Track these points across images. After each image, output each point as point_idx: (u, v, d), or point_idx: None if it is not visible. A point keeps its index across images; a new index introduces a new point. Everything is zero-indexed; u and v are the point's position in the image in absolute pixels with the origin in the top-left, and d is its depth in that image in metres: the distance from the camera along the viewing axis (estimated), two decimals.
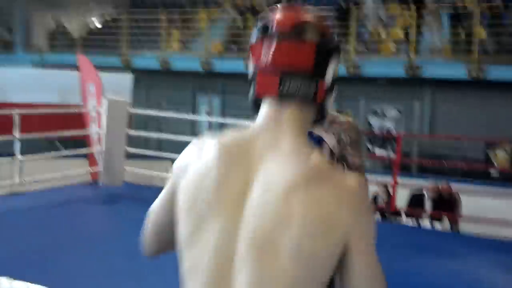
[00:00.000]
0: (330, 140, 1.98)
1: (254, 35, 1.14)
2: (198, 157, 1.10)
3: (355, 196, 1.01)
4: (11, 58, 15.22)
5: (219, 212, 1.01)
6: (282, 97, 1.09)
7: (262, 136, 1.07)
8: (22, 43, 16.34)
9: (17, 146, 6.16)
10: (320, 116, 1.15)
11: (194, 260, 1.02)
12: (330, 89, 1.13)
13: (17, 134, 6.09)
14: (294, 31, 1.07)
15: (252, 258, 0.96)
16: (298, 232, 0.95)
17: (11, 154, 6.35)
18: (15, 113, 6.16)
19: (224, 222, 1.00)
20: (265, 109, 1.11)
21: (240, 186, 1.02)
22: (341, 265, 1.01)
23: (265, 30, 1.10)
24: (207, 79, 13.51)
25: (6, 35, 18.07)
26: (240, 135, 1.10)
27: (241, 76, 12.73)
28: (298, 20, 1.08)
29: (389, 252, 3.59)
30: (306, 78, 1.08)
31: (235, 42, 14.15)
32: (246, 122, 7.74)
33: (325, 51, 1.09)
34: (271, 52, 1.08)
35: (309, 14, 1.11)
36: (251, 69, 1.16)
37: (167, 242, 1.21)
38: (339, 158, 1.92)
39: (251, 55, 1.15)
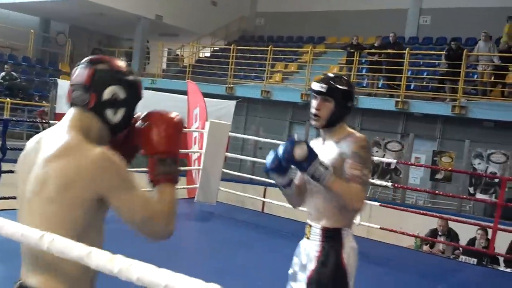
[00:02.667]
0: (318, 147, 2.28)
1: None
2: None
3: (94, 161, 1.46)
4: None
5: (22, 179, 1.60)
6: (71, 103, 1.62)
7: (54, 128, 1.61)
8: (137, 68, 17.64)
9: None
10: (106, 121, 1.61)
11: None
12: (109, 102, 1.60)
13: None
14: (89, 61, 1.63)
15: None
16: (52, 188, 1.46)
17: None
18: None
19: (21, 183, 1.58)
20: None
21: (32, 160, 1.56)
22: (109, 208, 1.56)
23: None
24: (305, 110, 13.69)
25: (125, 61, 19.62)
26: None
27: None
28: (94, 58, 1.66)
29: None
30: (82, 90, 1.59)
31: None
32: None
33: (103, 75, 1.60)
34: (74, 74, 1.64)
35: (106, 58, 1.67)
36: None
37: None
38: (321, 163, 2.14)
39: None
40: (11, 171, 4.95)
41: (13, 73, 13.65)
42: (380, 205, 6.56)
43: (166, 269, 1.24)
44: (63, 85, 10.52)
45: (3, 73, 13.36)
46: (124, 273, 1.29)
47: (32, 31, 17.05)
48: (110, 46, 19.81)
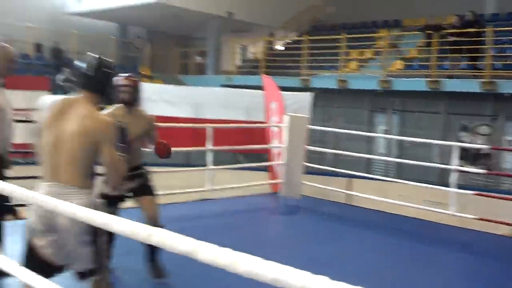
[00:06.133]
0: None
1: None
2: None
3: (101, 122, 2.60)
4: (203, 80, 16.80)
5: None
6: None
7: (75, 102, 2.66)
8: (212, 66, 17.93)
9: (209, 157, 6.73)
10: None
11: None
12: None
13: (210, 146, 6.69)
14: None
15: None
16: (80, 136, 2.54)
17: (201, 165, 6.98)
18: (209, 127, 6.79)
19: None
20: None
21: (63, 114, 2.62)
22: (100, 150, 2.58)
23: None
24: (385, 98, 13.34)
25: (200, 59, 20.04)
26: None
27: (420, 94, 12.40)
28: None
29: None
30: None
31: (414, 60, 13.79)
32: (424, 140, 7.50)
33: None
34: None
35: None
36: None
37: None
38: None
39: None
40: None
41: (73, 76, 14.27)
42: (474, 193, 6.27)
43: (272, 262, 1.23)
44: (144, 88, 10.88)
45: (63, 76, 14.03)
46: (232, 266, 1.30)
47: (112, 37, 17.80)
48: (186, 46, 20.30)
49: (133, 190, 3.83)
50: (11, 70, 3.66)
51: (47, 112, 2.63)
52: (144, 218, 3.78)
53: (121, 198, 3.84)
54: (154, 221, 3.74)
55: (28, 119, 7.97)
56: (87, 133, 2.54)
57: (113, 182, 3.09)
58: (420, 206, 6.50)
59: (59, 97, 2.70)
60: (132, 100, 3.80)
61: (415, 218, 6.52)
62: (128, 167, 3.68)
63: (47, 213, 2.45)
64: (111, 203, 3.66)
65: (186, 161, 10.84)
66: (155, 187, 3.94)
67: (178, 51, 19.47)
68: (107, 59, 2.83)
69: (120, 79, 3.71)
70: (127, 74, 3.86)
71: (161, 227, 2.91)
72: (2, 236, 3.61)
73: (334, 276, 1.17)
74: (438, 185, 6.83)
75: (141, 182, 3.85)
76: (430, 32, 12.72)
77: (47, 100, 2.71)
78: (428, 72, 12.47)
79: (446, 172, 8.68)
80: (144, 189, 3.84)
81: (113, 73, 2.81)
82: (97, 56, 2.79)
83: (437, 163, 9.32)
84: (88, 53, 2.83)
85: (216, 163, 6.79)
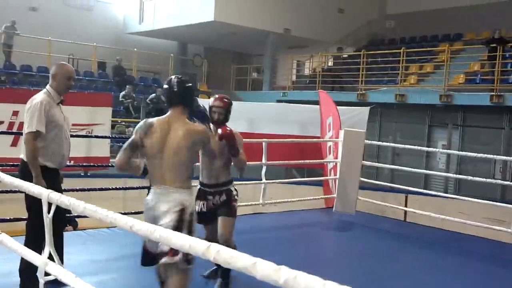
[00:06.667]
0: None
1: None
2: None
3: (198, 130, 3.01)
4: (259, 95, 16.93)
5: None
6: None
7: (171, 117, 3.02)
8: (268, 82, 18.05)
9: (263, 171, 6.73)
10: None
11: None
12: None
13: (264, 160, 6.69)
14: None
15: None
16: (184, 140, 2.93)
17: (255, 179, 6.98)
18: (264, 142, 6.79)
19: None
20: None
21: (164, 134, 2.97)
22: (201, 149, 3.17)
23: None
24: (445, 112, 12.94)
25: (256, 75, 20.23)
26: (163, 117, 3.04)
27: (482, 108, 11.96)
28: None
29: None
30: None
31: (476, 74, 13.33)
32: (486, 156, 7.21)
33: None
34: None
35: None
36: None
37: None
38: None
39: None
40: None
41: (162, 97, 14.68)
42: None
43: (332, 281, 1.21)
44: (203, 103, 11.08)
45: (152, 96, 14.50)
46: (290, 284, 1.28)
47: (171, 55, 18.31)
48: (242, 63, 20.56)
49: (216, 206, 3.84)
50: (70, 88, 3.82)
51: (144, 132, 2.95)
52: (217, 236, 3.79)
53: (208, 215, 3.84)
54: (225, 241, 3.71)
55: (90, 134, 8.25)
56: (192, 140, 2.92)
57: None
58: (481, 224, 6.22)
59: (153, 119, 3.02)
60: (223, 121, 3.85)
61: (474, 236, 6.25)
62: (214, 183, 3.81)
63: (152, 218, 2.84)
64: (200, 220, 3.63)
65: (240, 174, 10.88)
66: (236, 207, 3.91)
67: (235, 67, 19.74)
68: (186, 78, 3.15)
69: (214, 100, 3.89)
70: (221, 96, 3.96)
71: (233, 248, 2.94)
72: (62, 246, 3.74)
73: None
74: (500, 202, 6.52)
75: (224, 199, 3.85)
76: (494, 45, 12.28)
77: (142, 123, 3.02)
78: (491, 86, 12.02)
79: (508, 189, 8.29)
80: (224, 208, 3.83)
81: (194, 88, 3.08)
82: (178, 75, 3.14)
83: (499, 179, 8.92)
84: (171, 76, 3.13)
85: (269, 177, 6.78)
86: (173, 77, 3.09)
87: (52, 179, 3.59)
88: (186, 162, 2.92)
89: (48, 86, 3.73)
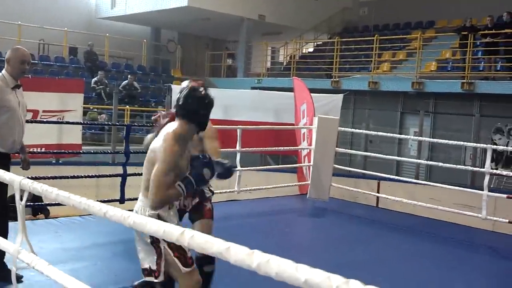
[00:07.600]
0: None
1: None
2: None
3: (166, 138, 2.65)
4: (233, 82, 16.86)
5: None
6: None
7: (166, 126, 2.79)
8: (242, 68, 17.98)
9: (238, 158, 6.71)
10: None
11: None
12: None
13: (238, 147, 6.68)
14: None
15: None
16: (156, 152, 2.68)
17: None
18: (238, 129, 6.78)
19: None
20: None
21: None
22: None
23: None
24: (417, 100, 13.12)
25: (230, 62, 20.14)
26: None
27: (454, 96, 12.13)
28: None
29: None
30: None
31: (448, 62, 13.52)
32: (456, 143, 7.36)
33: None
34: None
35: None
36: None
37: None
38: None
39: None
40: (136, 174, 5.25)
41: (135, 83, 14.50)
42: (507, 197, 6.09)
43: (304, 264, 1.22)
44: (176, 90, 10.97)
45: (124, 83, 14.28)
46: (263, 268, 1.29)
47: (144, 40, 18.06)
48: (217, 49, 20.42)
49: (193, 207, 3.63)
50: (24, 72, 3.75)
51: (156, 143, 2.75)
52: None
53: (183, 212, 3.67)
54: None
55: (61, 121, 8.11)
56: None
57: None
58: (452, 210, 6.36)
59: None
60: None
61: (446, 221, 6.38)
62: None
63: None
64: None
65: None
66: (213, 210, 3.73)
67: (209, 53, 19.61)
68: (201, 88, 2.84)
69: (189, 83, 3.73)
70: (197, 80, 3.82)
71: None
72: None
73: (365, 280, 1.15)
74: (470, 188, 6.67)
75: (201, 201, 3.62)
76: (465, 33, 12.46)
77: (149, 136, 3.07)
78: (462, 73, 12.21)
79: (478, 175, 8.48)
80: (201, 210, 3.64)
81: (203, 101, 2.81)
82: (196, 86, 2.85)
83: (469, 166, 9.11)
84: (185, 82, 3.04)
85: (244, 164, 6.78)
86: (189, 84, 2.87)
87: (3, 164, 3.50)
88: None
89: (3, 71, 3.67)
